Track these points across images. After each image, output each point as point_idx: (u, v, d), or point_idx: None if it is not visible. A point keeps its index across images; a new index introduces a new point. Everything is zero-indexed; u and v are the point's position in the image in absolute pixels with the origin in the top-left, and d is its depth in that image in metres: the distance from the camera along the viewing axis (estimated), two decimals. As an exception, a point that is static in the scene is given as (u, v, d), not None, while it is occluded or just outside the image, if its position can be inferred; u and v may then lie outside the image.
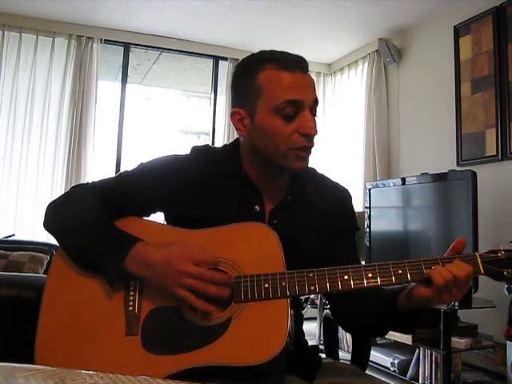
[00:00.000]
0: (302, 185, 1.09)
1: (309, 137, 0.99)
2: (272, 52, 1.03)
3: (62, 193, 1.12)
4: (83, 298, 0.97)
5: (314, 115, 1.01)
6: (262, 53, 1.04)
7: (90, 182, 1.11)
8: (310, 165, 1.16)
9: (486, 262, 0.92)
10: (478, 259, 0.92)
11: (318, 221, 1.08)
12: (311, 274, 0.92)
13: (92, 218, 1.00)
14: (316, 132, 0.99)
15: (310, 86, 1.00)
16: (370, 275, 0.92)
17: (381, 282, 0.92)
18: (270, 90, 0.98)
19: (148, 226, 1.05)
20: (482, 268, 0.92)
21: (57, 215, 1.05)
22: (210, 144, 1.19)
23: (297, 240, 1.02)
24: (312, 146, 1.01)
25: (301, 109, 0.97)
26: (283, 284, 0.91)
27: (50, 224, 1.05)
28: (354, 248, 1.15)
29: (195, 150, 1.11)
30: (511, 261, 0.92)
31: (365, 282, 0.92)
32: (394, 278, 0.91)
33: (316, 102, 1.01)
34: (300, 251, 1.00)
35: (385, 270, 0.92)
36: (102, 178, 1.11)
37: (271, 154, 1.01)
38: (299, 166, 1.02)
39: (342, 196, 1.15)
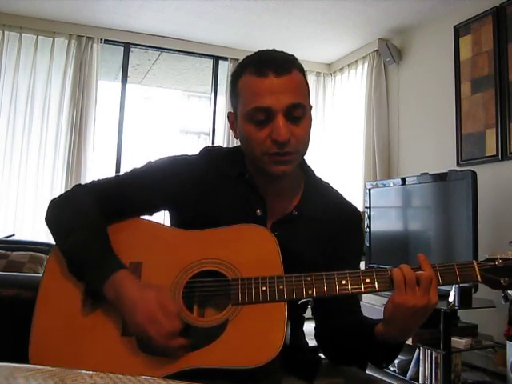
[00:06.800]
0: (312, 201, 1.07)
1: (278, 143, 0.94)
2: (257, 54, 1.01)
3: (63, 192, 1.12)
4: (78, 297, 0.97)
5: (297, 119, 0.96)
6: (250, 55, 1.02)
7: (95, 179, 1.10)
8: (312, 167, 1.14)
9: (484, 270, 0.92)
10: (476, 267, 0.92)
11: (323, 238, 1.06)
12: (309, 278, 0.92)
13: (86, 228, 1.00)
14: (285, 138, 0.94)
15: (286, 90, 0.94)
16: (367, 280, 0.92)
17: (378, 287, 0.92)
18: (244, 96, 0.97)
19: (148, 227, 1.05)
20: (479, 276, 0.92)
21: (56, 215, 1.05)
22: (210, 144, 1.19)
23: (297, 254, 1.00)
24: (286, 151, 0.96)
25: (272, 115, 0.94)
26: (281, 287, 0.91)
27: (49, 222, 1.05)
28: None
29: (205, 150, 1.11)
30: (508, 269, 0.92)
31: (362, 287, 0.92)
32: (391, 282, 0.91)
33: (296, 105, 0.95)
34: (300, 266, 0.98)
35: (382, 275, 0.92)
36: (106, 176, 1.11)
37: (252, 158, 1.01)
38: (277, 170, 0.98)
39: (352, 217, 1.12)
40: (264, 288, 0.91)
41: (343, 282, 0.92)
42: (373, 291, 0.93)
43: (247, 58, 1.02)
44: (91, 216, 1.01)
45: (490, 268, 0.92)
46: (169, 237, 1.01)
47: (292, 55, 1.02)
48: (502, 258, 0.93)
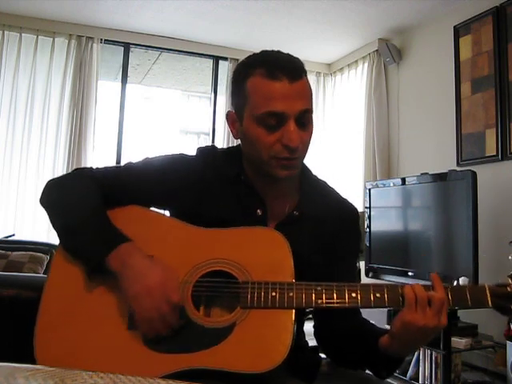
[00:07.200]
0: (311, 200, 1.07)
1: (290, 148, 0.95)
2: (265, 55, 1.00)
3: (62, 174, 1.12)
4: (85, 290, 0.97)
5: (305, 124, 0.98)
6: (257, 55, 1.01)
7: (94, 167, 1.11)
8: (310, 166, 1.14)
9: (495, 295, 0.91)
10: (488, 292, 0.92)
11: (324, 238, 1.06)
12: (319, 288, 0.92)
13: (88, 206, 1.01)
14: (297, 144, 0.95)
15: (298, 96, 0.95)
16: (378, 295, 0.91)
17: (388, 303, 0.91)
18: (255, 98, 0.96)
19: (162, 221, 1.04)
20: (490, 301, 0.91)
21: (54, 195, 1.06)
22: (210, 144, 1.19)
23: (300, 255, 0.99)
24: (295, 157, 0.98)
25: (284, 120, 0.94)
26: (290, 294, 0.91)
27: (46, 201, 1.06)
28: (353, 271, 1.14)
29: (200, 150, 1.10)
30: None
31: (372, 301, 0.91)
32: (401, 299, 0.90)
33: (306, 111, 0.97)
34: (302, 266, 0.98)
35: (393, 291, 0.92)
36: (105, 166, 1.11)
37: (256, 160, 1.00)
38: (283, 174, 0.99)
39: (350, 216, 1.13)
40: (274, 294, 0.91)
41: (353, 294, 0.91)
42: (382, 307, 0.92)
43: (253, 57, 1.01)
44: (92, 197, 1.02)
45: (501, 294, 0.91)
46: (181, 233, 1.01)
47: (298, 58, 1.00)
48: None
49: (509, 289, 0.92)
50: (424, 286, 0.90)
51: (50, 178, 1.09)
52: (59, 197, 1.05)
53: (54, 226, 1.02)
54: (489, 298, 0.91)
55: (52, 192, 1.06)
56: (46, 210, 1.05)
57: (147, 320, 0.90)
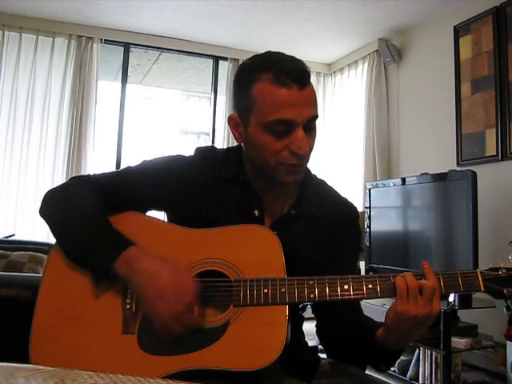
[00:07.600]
0: (309, 199, 1.07)
1: (298, 155, 0.95)
2: (270, 58, 0.98)
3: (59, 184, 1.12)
4: (79, 293, 0.96)
5: (311, 130, 0.98)
6: (261, 58, 0.99)
7: (91, 174, 1.10)
8: (311, 169, 1.14)
9: (487, 279, 0.92)
10: (479, 276, 0.92)
11: (322, 237, 1.06)
12: (311, 282, 0.92)
13: (89, 213, 1.00)
14: (306, 151, 0.96)
15: (307, 103, 0.95)
16: (370, 286, 0.91)
17: (380, 293, 0.91)
18: (262, 105, 0.94)
19: (148, 222, 1.04)
20: (482, 286, 0.91)
21: (54, 205, 1.05)
22: (210, 144, 1.18)
23: (296, 254, 1.00)
24: (302, 162, 0.98)
25: (293, 127, 0.94)
26: (283, 290, 0.91)
27: (45, 212, 1.05)
28: (354, 271, 1.13)
29: (199, 151, 1.10)
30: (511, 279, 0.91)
31: (364, 292, 0.91)
32: (394, 289, 0.90)
33: (313, 117, 0.96)
34: (299, 265, 0.98)
35: (385, 282, 0.92)
36: (103, 172, 1.11)
37: (261, 165, 1.00)
38: (290, 179, 0.99)
39: (350, 215, 1.12)
40: (266, 290, 0.91)
41: (345, 286, 0.91)
42: (374, 297, 0.92)
43: (257, 60, 0.99)
44: (93, 205, 1.01)
45: (493, 278, 0.92)
46: (171, 234, 1.01)
47: (302, 61, 0.99)
48: (505, 267, 0.92)
49: (500, 272, 0.92)
50: (415, 275, 0.90)
51: (49, 189, 1.08)
52: (58, 207, 1.04)
53: (55, 237, 1.01)
54: (481, 283, 0.91)
55: (51, 203, 1.05)
56: (46, 220, 1.04)
57: (165, 322, 0.88)
